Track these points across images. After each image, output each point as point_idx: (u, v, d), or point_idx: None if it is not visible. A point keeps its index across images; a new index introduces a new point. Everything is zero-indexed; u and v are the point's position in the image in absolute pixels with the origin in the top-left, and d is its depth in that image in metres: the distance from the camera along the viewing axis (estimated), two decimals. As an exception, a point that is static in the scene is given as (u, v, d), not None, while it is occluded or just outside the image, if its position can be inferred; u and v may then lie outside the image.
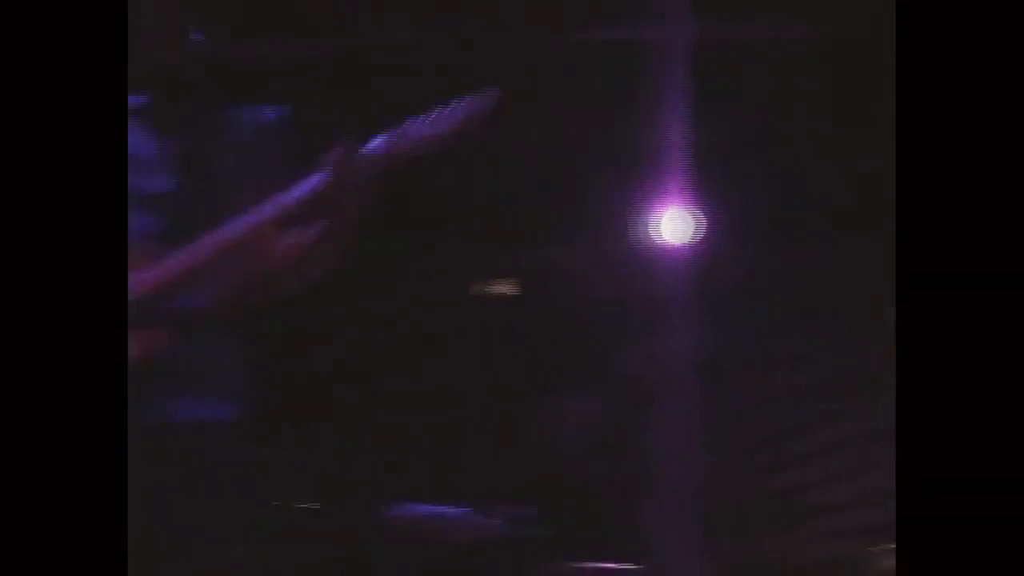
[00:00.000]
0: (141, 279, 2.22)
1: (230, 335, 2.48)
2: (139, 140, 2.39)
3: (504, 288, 5.80)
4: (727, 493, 4.17)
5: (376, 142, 2.20)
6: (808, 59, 4.40)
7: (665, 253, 4.14)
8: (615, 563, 4.21)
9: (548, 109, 4.70)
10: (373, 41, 4.89)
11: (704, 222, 4.07)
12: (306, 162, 2.30)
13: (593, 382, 4.80)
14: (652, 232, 4.27)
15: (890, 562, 3.52)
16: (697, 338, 4.10)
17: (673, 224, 4.05)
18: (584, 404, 4.80)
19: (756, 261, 4.50)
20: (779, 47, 4.37)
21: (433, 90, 2.29)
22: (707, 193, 4.12)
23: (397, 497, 4.46)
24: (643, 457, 4.27)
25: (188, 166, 2.41)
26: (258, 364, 2.57)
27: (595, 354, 4.79)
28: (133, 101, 2.41)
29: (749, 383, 4.31)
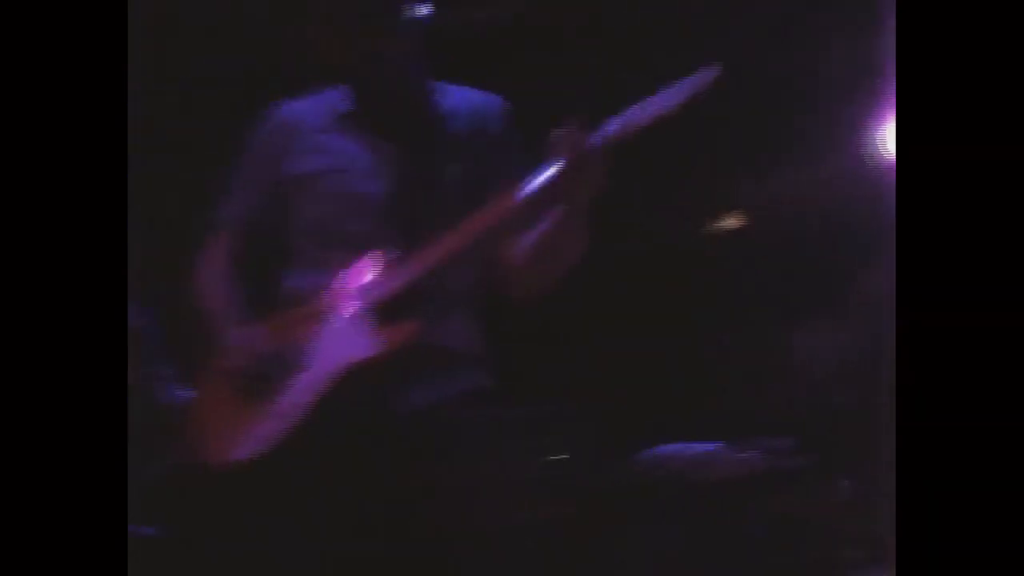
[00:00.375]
0: (383, 279, 2.29)
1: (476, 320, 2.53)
2: (352, 146, 2.45)
3: (735, 222, 5.79)
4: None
5: (608, 126, 2.16)
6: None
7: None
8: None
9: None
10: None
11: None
12: (533, 152, 2.29)
13: (836, 309, 4.73)
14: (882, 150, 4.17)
15: None
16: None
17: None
18: (830, 332, 4.73)
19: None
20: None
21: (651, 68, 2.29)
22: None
23: (650, 439, 4.51)
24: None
25: (407, 168, 2.41)
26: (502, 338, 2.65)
27: (835, 281, 4.72)
28: (341, 106, 2.49)
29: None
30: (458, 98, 2.51)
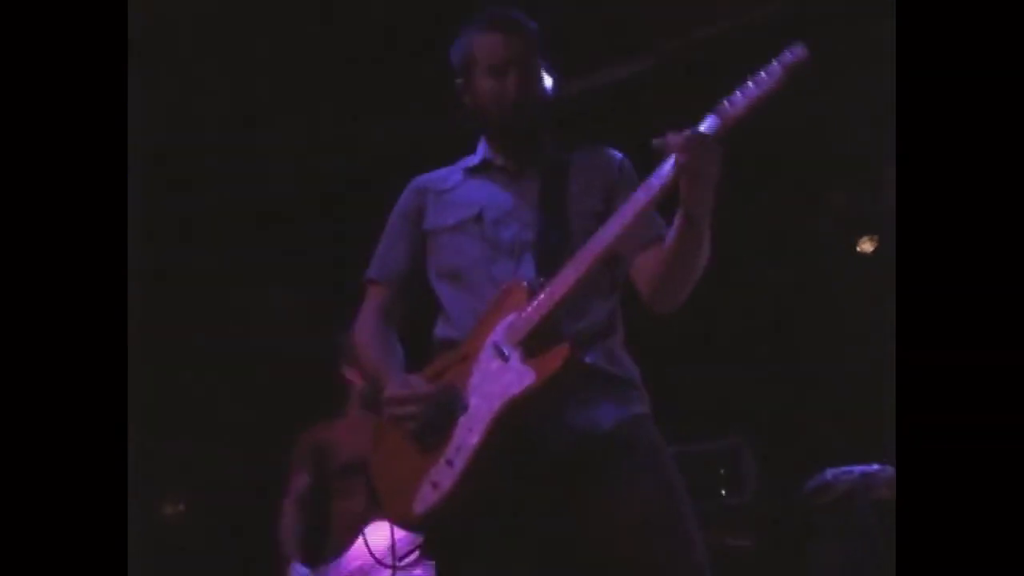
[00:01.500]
0: (528, 313, 2.36)
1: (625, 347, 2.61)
2: (485, 194, 2.61)
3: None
4: None
5: (708, 121, 2.22)
6: None
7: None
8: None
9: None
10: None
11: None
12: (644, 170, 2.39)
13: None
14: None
15: None
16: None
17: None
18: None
19: None
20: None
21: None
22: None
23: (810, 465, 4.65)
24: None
25: (542, 214, 2.53)
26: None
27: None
28: (473, 161, 2.69)
29: None
30: (577, 150, 2.70)
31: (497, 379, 2.33)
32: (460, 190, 2.65)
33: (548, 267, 2.42)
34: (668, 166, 2.25)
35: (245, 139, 5.52)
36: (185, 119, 5.28)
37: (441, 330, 2.60)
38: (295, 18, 4.89)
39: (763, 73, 2.19)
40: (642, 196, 2.31)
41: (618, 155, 2.69)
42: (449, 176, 2.71)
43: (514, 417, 2.31)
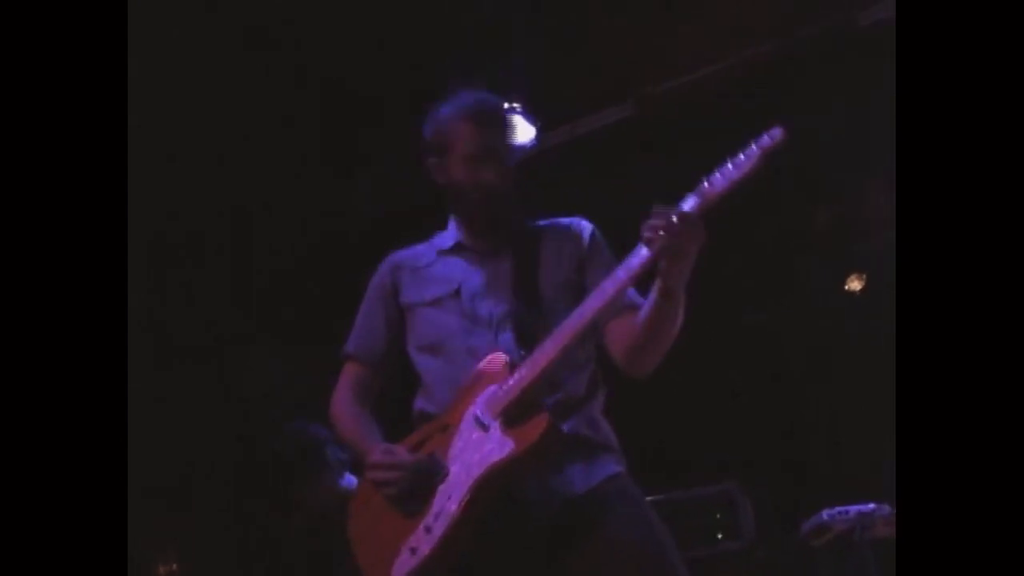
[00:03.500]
0: (509, 385, 2.43)
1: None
2: (461, 271, 2.69)
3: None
4: None
5: (689, 201, 2.28)
6: None
7: None
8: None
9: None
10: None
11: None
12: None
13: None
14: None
15: None
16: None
17: None
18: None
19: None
20: None
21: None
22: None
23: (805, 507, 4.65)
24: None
25: (515, 282, 2.64)
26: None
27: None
28: (448, 241, 2.76)
29: None
30: (546, 222, 2.79)
31: (477, 448, 2.39)
32: (436, 267, 2.73)
33: (526, 339, 2.50)
34: (648, 247, 2.32)
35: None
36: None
37: (420, 403, 2.66)
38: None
39: (742, 155, 2.25)
40: (622, 275, 2.38)
41: (587, 225, 2.75)
42: (424, 254, 2.78)
43: (493, 485, 2.36)
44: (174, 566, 6.05)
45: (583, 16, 4.70)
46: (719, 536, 5.09)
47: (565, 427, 2.47)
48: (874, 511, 4.36)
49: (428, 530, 2.38)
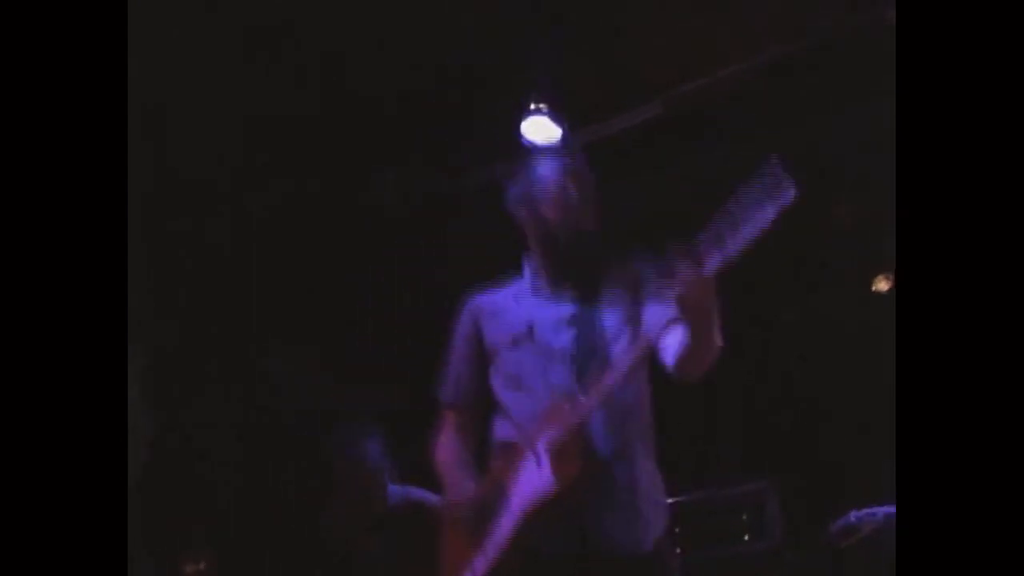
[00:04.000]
0: (563, 422, 2.67)
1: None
2: (538, 310, 2.92)
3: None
4: None
5: (712, 258, 2.41)
6: None
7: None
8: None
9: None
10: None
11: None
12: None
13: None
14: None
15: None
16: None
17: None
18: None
19: None
20: None
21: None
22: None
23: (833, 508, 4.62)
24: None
25: (583, 324, 2.85)
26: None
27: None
28: (526, 287, 3.01)
29: None
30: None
31: (530, 481, 2.66)
32: (513, 308, 2.97)
33: (595, 373, 2.70)
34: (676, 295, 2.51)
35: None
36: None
37: (501, 431, 2.91)
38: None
39: (758, 213, 2.35)
40: (655, 333, 2.62)
41: (640, 266, 2.94)
42: (501, 297, 3.03)
43: (537, 516, 2.63)
44: (202, 564, 6.09)
45: (610, 16, 4.70)
46: (746, 537, 5.08)
47: (614, 471, 2.70)
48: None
49: (485, 554, 2.71)
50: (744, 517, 5.08)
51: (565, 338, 2.84)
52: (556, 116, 4.92)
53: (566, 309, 2.89)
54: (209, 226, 5.72)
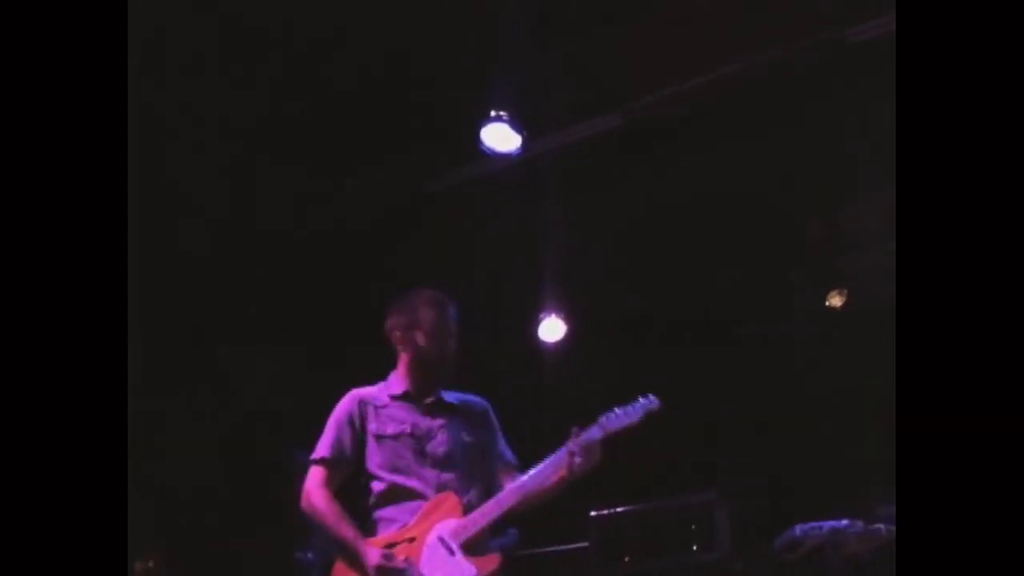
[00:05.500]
0: (468, 522, 3.36)
1: None
2: (412, 416, 3.59)
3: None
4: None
5: (594, 430, 3.38)
6: None
7: None
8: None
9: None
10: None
11: None
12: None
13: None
14: None
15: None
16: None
17: None
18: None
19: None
20: None
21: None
22: None
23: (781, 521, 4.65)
24: None
25: (450, 438, 3.55)
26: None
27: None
28: (396, 390, 3.65)
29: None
30: (460, 395, 3.70)
31: (445, 566, 3.32)
32: (392, 409, 3.60)
33: (461, 479, 3.48)
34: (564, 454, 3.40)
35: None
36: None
37: (382, 511, 3.48)
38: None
39: (631, 408, 3.44)
40: (552, 475, 3.41)
41: (485, 404, 3.74)
42: (379, 395, 3.64)
43: None
44: (151, 563, 6.06)
45: (572, 26, 4.72)
46: (694, 547, 5.11)
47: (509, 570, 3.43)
48: (847, 527, 4.37)
49: None
50: (693, 527, 5.12)
51: (434, 445, 3.53)
52: (516, 124, 4.93)
53: (434, 423, 3.57)
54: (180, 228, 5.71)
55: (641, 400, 3.47)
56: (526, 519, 3.75)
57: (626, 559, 5.26)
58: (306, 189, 5.68)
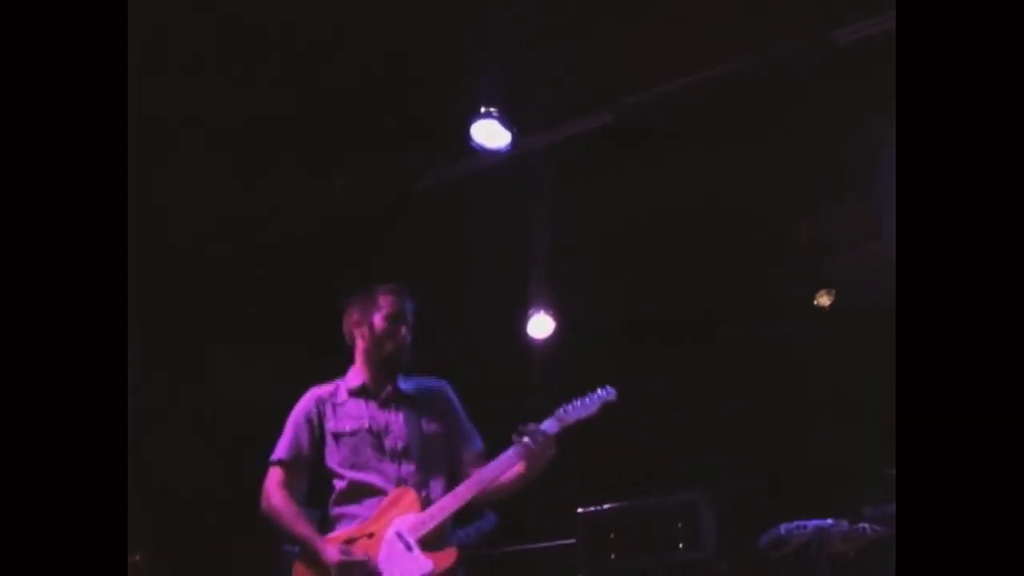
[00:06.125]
0: (425, 517, 3.39)
1: None
2: (368, 412, 3.61)
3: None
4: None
5: (549, 423, 3.41)
6: None
7: None
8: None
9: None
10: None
11: None
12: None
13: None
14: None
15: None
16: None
17: None
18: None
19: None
20: None
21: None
22: None
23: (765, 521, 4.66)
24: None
25: (408, 430, 3.57)
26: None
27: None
28: (353, 384, 3.68)
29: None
30: (416, 381, 3.73)
31: (402, 561, 3.35)
32: (349, 405, 3.64)
33: (421, 472, 3.51)
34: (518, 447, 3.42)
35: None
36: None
37: (340, 508, 3.50)
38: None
39: (588, 399, 3.42)
40: (508, 468, 3.43)
41: (444, 386, 3.74)
42: (337, 392, 3.68)
43: None
44: (137, 556, 6.05)
45: (563, 21, 4.72)
46: (680, 545, 5.12)
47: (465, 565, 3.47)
48: (832, 527, 4.38)
49: None
50: (679, 526, 5.13)
51: (392, 440, 3.56)
52: (506, 120, 4.93)
53: (391, 417, 3.60)
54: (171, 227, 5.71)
55: (599, 391, 3.45)
56: (514, 514, 3.75)
57: (612, 556, 5.26)
58: (298, 186, 5.68)
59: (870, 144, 4.91)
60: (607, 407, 3.40)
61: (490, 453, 3.60)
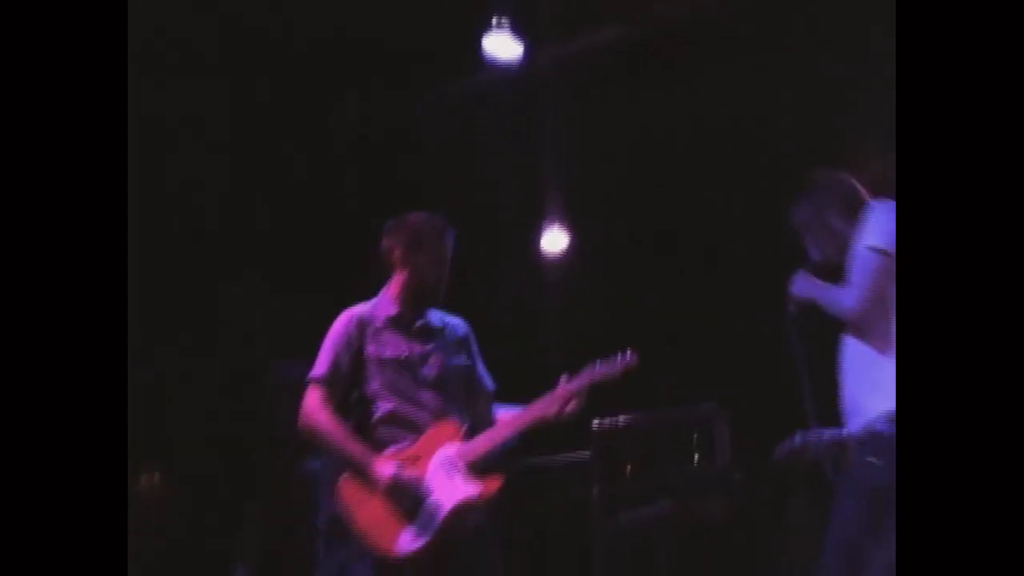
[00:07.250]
0: (472, 446, 3.46)
1: None
2: (408, 342, 3.62)
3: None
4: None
5: (582, 379, 3.44)
6: None
7: None
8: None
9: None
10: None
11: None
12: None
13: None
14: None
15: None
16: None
17: None
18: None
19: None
20: None
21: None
22: None
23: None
24: None
25: (440, 360, 3.62)
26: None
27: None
28: (392, 310, 3.67)
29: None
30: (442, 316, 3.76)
31: (451, 484, 3.41)
32: (388, 333, 3.63)
33: (451, 402, 3.57)
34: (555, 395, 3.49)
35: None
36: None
37: (385, 430, 3.52)
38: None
39: (612, 362, 3.44)
40: (544, 409, 3.46)
41: (466, 327, 3.78)
42: (375, 316, 3.66)
43: (463, 512, 3.40)
44: (156, 476, 6.13)
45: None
46: (696, 456, 5.17)
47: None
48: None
49: (423, 528, 3.36)
50: (695, 437, 5.17)
51: (427, 370, 3.59)
52: (518, 33, 4.88)
53: (424, 347, 3.63)
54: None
55: (620, 356, 3.49)
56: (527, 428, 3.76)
57: (627, 469, 5.32)
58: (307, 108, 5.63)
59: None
60: (628, 372, 3.46)
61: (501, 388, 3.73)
